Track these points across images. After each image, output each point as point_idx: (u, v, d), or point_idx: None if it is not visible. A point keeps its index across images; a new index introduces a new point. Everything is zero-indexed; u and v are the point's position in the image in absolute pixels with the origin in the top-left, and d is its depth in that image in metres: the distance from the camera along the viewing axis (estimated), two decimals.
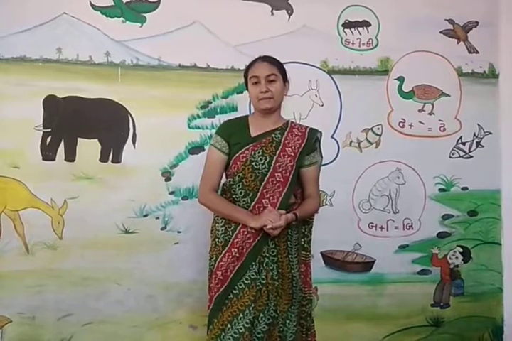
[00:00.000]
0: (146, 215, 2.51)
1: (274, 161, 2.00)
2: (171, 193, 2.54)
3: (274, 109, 2.05)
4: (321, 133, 2.14)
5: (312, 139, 2.07)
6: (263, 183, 1.99)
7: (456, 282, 2.82)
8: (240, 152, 2.02)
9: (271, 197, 1.99)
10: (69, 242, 2.44)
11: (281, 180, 2.00)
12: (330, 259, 2.70)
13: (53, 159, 2.45)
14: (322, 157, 2.17)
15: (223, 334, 1.93)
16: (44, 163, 2.44)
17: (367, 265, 2.74)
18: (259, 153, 2.00)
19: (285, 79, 2.08)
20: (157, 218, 2.52)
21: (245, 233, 1.97)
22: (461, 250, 2.83)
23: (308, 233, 2.15)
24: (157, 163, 2.53)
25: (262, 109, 2.03)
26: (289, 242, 2.03)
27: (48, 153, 2.45)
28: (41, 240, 2.43)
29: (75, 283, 2.44)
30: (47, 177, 2.43)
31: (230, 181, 2.04)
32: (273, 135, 2.04)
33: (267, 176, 1.99)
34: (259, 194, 1.99)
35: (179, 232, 2.54)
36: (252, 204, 2.00)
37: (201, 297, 2.46)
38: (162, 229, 2.53)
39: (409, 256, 2.77)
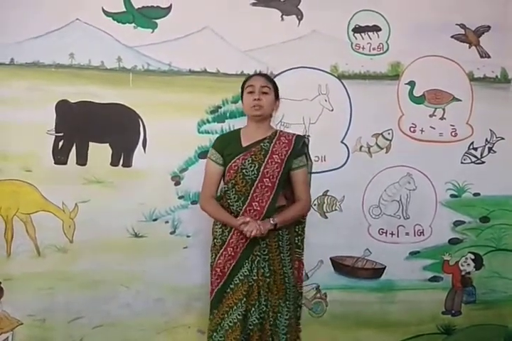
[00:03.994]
0: (155, 219, 2.53)
1: (262, 168, 2.17)
2: (181, 197, 2.55)
3: (263, 117, 2.23)
4: (307, 138, 2.29)
5: (298, 145, 2.22)
6: (253, 188, 2.17)
7: (468, 289, 2.79)
8: (232, 161, 2.21)
9: (260, 201, 2.17)
10: (79, 245, 2.47)
11: (269, 184, 2.17)
12: (339, 265, 2.68)
13: (65, 163, 2.49)
14: (311, 161, 2.31)
15: (223, 322, 2.17)
16: (56, 167, 2.47)
17: (377, 271, 2.71)
18: (249, 161, 2.18)
19: (277, 97, 2.27)
20: (166, 222, 2.54)
21: (239, 234, 2.15)
22: (472, 257, 2.79)
23: (301, 232, 2.33)
24: (167, 167, 2.55)
25: (252, 115, 2.22)
26: (280, 242, 2.20)
27: (59, 157, 2.48)
28: (52, 243, 2.46)
29: (85, 286, 2.46)
30: (58, 181, 2.46)
31: (224, 188, 2.23)
32: (262, 144, 2.21)
33: (256, 181, 2.17)
34: (249, 198, 2.17)
35: (188, 236, 2.55)
36: (244, 207, 2.18)
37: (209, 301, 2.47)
38: (171, 233, 2.54)
39: (420, 263, 2.75)
